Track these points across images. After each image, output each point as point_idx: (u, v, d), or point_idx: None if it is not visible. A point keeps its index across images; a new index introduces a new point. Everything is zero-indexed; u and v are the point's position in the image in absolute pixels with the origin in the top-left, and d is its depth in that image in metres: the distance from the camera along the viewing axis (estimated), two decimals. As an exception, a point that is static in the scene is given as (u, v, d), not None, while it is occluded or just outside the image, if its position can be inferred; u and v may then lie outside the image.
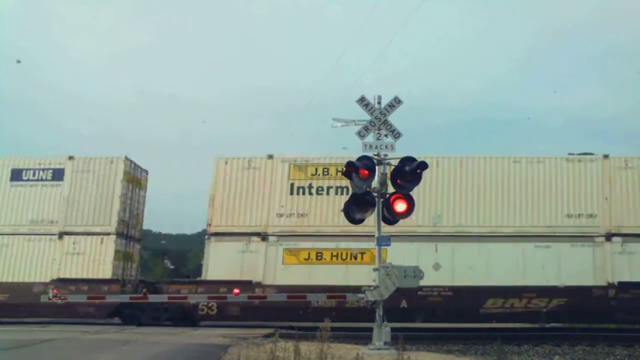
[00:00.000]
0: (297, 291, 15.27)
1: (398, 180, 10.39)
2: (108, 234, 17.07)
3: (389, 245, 10.86)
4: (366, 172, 10.18)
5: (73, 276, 16.66)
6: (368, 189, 10.65)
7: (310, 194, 16.93)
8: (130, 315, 16.38)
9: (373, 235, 11.00)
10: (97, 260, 16.88)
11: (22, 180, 17.56)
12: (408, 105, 11.58)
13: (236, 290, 15.37)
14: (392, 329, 10.12)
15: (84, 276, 16.70)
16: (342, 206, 16.23)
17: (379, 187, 10.73)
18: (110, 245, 17.01)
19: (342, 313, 15.38)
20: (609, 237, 16.16)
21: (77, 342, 10.97)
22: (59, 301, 14.93)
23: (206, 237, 16.82)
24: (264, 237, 16.55)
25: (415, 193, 10.97)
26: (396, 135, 10.96)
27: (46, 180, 17.51)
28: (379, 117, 11.01)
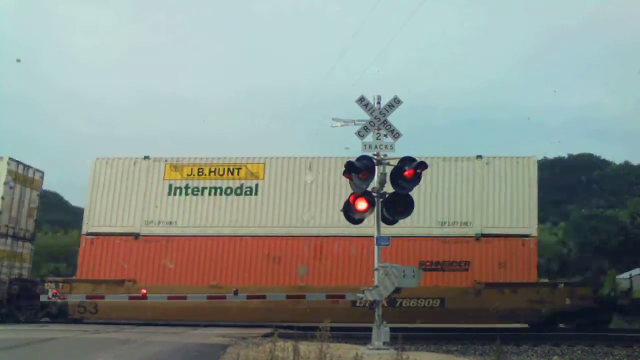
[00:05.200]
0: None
1: (398, 180, 10.41)
2: None
3: (388, 245, 10.85)
4: (366, 172, 10.24)
5: None
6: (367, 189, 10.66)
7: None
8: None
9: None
10: None
11: None
12: (408, 105, 11.60)
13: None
14: (392, 329, 10.12)
15: None
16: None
17: (378, 187, 10.73)
18: None
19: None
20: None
21: (76, 341, 10.99)
22: (59, 300, 14.99)
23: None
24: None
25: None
26: (396, 135, 10.94)
27: None
28: (378, 117, 11.00)
